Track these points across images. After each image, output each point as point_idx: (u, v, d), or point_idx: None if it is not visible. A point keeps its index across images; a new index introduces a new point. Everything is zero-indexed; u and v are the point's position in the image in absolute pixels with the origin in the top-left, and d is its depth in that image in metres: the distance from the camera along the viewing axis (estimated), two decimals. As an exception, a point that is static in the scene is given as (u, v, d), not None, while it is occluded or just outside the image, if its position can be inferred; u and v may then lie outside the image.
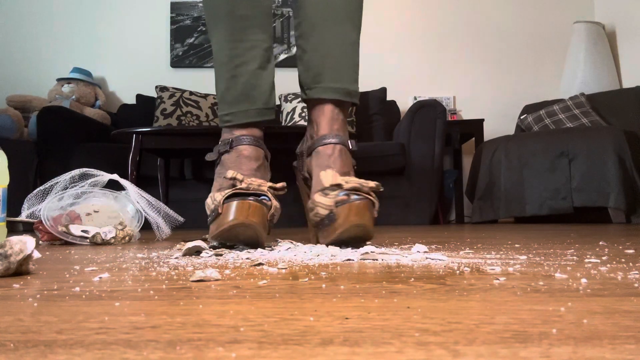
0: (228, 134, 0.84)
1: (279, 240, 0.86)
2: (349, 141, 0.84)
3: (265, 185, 0.73)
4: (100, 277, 0.44)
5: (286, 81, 3.22)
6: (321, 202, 0.74)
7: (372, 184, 0.74)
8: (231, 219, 0.67)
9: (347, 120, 0.92)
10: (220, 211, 0.70)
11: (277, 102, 3.10)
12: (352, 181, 0.73)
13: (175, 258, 0.63)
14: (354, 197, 0.72)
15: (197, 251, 0.68)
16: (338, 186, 0.74)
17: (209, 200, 0.75)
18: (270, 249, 0.72)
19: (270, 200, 0.72)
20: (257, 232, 0.69)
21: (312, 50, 0.87)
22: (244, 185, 0.72)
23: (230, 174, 0.72)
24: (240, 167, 0.79)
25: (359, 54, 0.90)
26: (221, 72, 0.86)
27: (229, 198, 0.70)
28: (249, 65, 0.84)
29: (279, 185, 0.76)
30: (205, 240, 1.05)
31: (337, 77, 0.85)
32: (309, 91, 0.87)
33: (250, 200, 0.69)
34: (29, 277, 0.45)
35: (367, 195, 0.73)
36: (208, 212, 0.75)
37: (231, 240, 0.72)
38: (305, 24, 0.87)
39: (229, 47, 0.84)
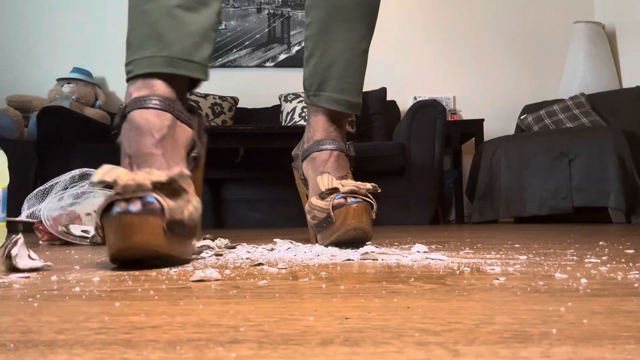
0: (127, 98, 0.61)
1: (279, 240, 0.86)
2: (347, 147, 0.83)
3: (147, 180, 0.48)
4: (100, 277, 0.44)
5: (286, 81, 3.22)
6: (318, 206, 0.74)
7: (369, 185, 0.74)
8: (112, 246, 0.48)
9: (346, 123, 0.89)
10: (100, 234, 0.50)
11: (277, 102, 3.10)
12: (349, 184, 0.73)
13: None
14: (351, 200, 0.71)
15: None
16: (335, 189, 0.73)
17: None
18: (270, 249, 0.72)
19: (158, 201, 0.48)
20: (153, 252, 0.48)
21: (320, 55, 0.84)
22: (119, 188, 0.48)
23: (99, 175, 0.49)
24: (133, 145, 0.57)
25: (366, 64, 0.87)
26: (131, 7, 0.64)
27: (105, 212, 0.48)
28: (163, 1, 0.62)
29: (164, 177, 0.49)
30: (206, 240, 1.05)
31: (341, 87, 0.83)
32: (313, 97, 0.85)
33: (120, 215, 0.47)
34: (29, 277, 0.45)
35: (364, 198, 0.72)
36: None
37: (129, 266, 0.51)
38: (316, 26, 0.85)
39: None
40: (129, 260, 0.50)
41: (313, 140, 0.83)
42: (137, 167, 0.56)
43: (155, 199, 0.48)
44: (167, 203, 0.49)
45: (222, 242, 0.78)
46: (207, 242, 0.68)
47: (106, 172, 0.49)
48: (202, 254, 0.64)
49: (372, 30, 0.87)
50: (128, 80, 0.62)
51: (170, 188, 0.51)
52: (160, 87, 0.61)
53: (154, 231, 0.47)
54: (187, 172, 0.53)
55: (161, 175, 0.49)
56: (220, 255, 0.64)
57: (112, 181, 0.48)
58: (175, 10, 0.63)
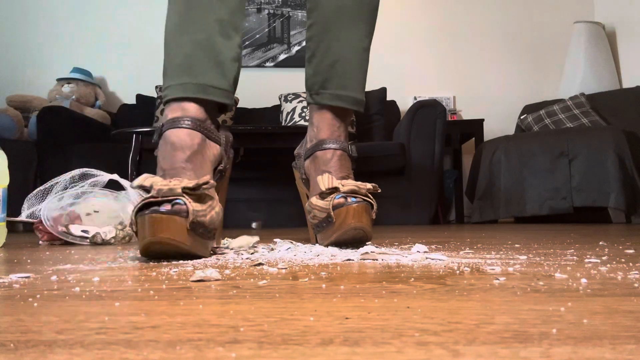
0: (163, 119, 0.71)
1: (279, 240, 0.86)
2: (349, 147, 0.83)
3: (178, 187, 0.57)
4: (100, 277, 0.44)
5: (286, 81, 3.22)
6: (318, 206, 0.74)
7: (369, 185, 0.74)
8: (143, 239, 0.56)
9: (349, 122, 0.88)
10: (134, 229, 0.58)
11: (277, 102, 3.10)
12: (349, 184, 0.73)
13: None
14: (351, 199, 0.71)
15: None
16: (335, 189, 0.73)
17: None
18: (270, 249, 0.72)
19: (185, 204, 0.56)
20: (177, 247, 0.56)
21: (322, 54, 0.85)
22: (154, 192, 0.57)
23: (138, 181, 0.59)
24: (167, 160, 0.66)
25: (368, 62, 0.88)
26: (167, 39, 0.74)
27: (140, 211, 0.57)
28: (196, 34, 0.71)
29: (192, 183, 0.59)
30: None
31: (344, 84, 0.84)
32: (315, 96, 0.85)
33: (152, 213, 0.55)
34: (30, 277, 0.45)
35: (364, 198, 0.72)
36: None
37: (156, 258, 0.60)
38: (317, 26, 0.86)
39: (179, 13, 0.73)
40: (156, 252, 0.57)
41: (317, 140, 0.83)
42: (169, 178, 0.63)
43: (183, 201, 0.57)
44: (193, 206, 0.57)
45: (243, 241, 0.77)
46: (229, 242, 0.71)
47: (144, 178, 0.59)
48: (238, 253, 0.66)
49: (372, 29, 0.88)
50: (164, 103, 0.72)
51: (197, 194, 0.60)
52: (192, 109, 0.69)
53: (179, 229, 0.55)
54: (213, 182, 0.61)
55: (190, 183, 0.58)
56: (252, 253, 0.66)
57: (149, 186, 0.58)
58: (205, 43, 0.72)
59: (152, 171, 0.68)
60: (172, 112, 0.70)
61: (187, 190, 0.58)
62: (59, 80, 2.98)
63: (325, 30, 0.85)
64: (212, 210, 0.61)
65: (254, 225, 2.23)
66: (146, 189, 0.58)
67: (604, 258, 0.55)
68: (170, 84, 0.71)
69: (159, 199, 0.57)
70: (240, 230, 1.92)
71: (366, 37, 0.86)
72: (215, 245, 0.74)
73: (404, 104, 3.24)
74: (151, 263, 0.57)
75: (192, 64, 0.71)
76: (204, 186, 0.60)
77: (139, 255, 0.63)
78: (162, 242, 0.55)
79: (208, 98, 0.71)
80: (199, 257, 0.60)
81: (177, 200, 0.57)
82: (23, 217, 1.09)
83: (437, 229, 1.65)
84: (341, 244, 0.73)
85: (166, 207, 0.56)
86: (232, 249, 0.73)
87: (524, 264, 0.50)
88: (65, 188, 1.11)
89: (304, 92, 2.97)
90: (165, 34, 0.74)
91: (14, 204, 1.24)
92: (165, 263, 0.57)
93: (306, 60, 0.89)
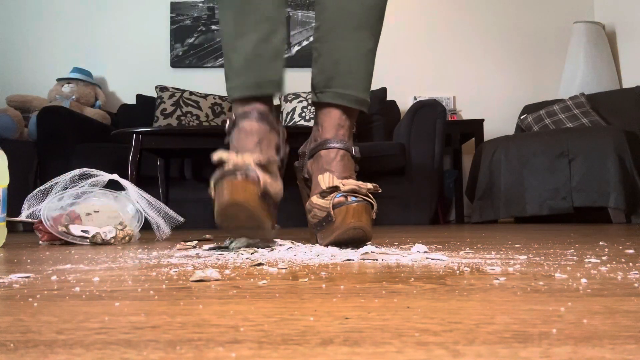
0: (234, 111, 0.83)
1: (279, 240, 0.86)
2: (352, 147, 0.84)
3: (250, 159, 0.69)
4: (100, 277, 0.44)
5: (286, 81, 3.22)
6: (319, 204, 0.74)
7: (369, 185, 0.74)
8: (221, 202, 0.65)
9: (353, 122, 0.90)
10: (212, 195, 0.68)
11: (277, 102, 3.10)
12: (350, 183, 0.73)
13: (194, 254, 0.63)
14: (351, 199, 0.72)
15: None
16: (335, 188, 0.73)
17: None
18: (270, 249, 0.72)
19: (257, 174, 0.68)
20: (248, 211, 0.65)
21: (327, 54, 0.86)
22: (230, 165, 0.68)
23: (216, 155, 0.70)
24: (240, 142, 0.77)
25: (374, 63, 0.89)
26: (225, 45, 0.84)
27: (218, 180, 0.68)
28: (248, 36, 0.81)
29: (263, 158, 0.71)
30: (206, 240, 1.05)
31: (348, 83, 0.85)
32: (320, 94, 0.86)
33: (230, 179, 0.65)
34: (30, 277, 0.45)
35: (364, 197, 0.73)
36: None
37: (229, 222, 0.69)
38: (324, 27, 0.87)
39: (232, 19, 0.82)
40: (231, 215, 0.67)
41: (321, 139, 0.84)
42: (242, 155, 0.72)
43: (256, 172, 0.67)
44: (264, 177, 0.68)
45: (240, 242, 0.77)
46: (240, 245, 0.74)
47: (222, 153, 0.70)
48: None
49: (379, 32, 0.89)
50: (231, 100, 0.84)
51: (267, 168, 0.71)
52: (256, 105, 0.81)
53: (253, 193, 0.65)
54: (277, 159, 0.75)
55: (261, 157, 0.71)
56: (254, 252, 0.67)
57: (226, 159, 0.69)
58: (257, 44, 0.81)
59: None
60: (242, 106, 0.81)
61: (258, 164, 0.69)
62: (59, 80, 2.98)
63: (331, 32, 0.86)
64: (277, 184, 0.72)
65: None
66: (222, 162, 0.69)
67: (604, 258, 0.55)
68: (234, 84, 0.82)
69: (234, 169, 0.67)
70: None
71: (371, 39, 0.87)
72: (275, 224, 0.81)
73: (404, 104, 3.24)
74: (151, 263, 0.57)
75: (251, 64, 0.81)
76: (272, 160, 0.72)
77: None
78: (238, 204, 0.64)
79: (266, 93, 0.81)
80: (263, 227, 0.69)
81: (250, 171, 0.67)
82: (23, 217, 1.09)
83: (437, 229, 1.65)
84: (341, 243, 0.73)
85: (242, 175, 0.66)
86: (232, 249, 0.74)
87: (524, 264, 0.50)
88: (65, 188, 1.11)
89: (304, 92, 2.99)
90: (224, 39, 0.84)
91: (14, 204, 1.24)
92: (165, 263, 0.57)
93: (312, 60, 0.90)
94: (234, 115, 0.81)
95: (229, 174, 0.67)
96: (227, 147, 0.80)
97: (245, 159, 0.68)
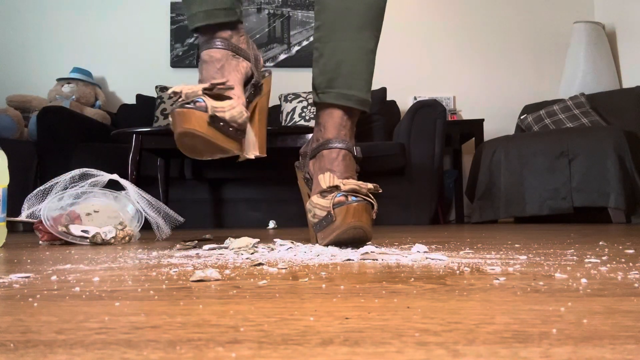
0: (199, 41, 0.84)
1: (279, 240, 0.86)
2: (354, 148, 0.84)
3: (199, 88, 0.69)
4: (100, 277, 0.44)
5: (286, 81, 3.22)
6: (319, 204, 0.75)
7: (370, 185, 0.74)
8: (174, 135, 0.68)
9: (355, 123, 0.90)
10: (171, 127, 0.70)
11: (277, 102, 3.10)
12: (350, 183, 0.73)
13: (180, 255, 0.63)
14: (351, 198, 0.72)
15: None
16: (336, 188, 0.74)
17: None
18: (270, 249, 0.72)
19: (203, 101, 0.68)
20: (201, 139, 0.67)
21: (329, 54, 0.86)
22: (182, 95, 0.69)
23: (171, 89, 0.71)
24: (203, 73, 0.79)
25: (374, 63, 0.89)
26: None
27: (170, 113, 0.70)
28: None
29: (208, 85, 0.71)
30: (206, 240, 1.05)
31: (350, 84, 0.85)
32: (322, 95, 0.86)
33: (177, 109, 0.67)
34: (30, 277, 0.45)
35: (365, 197, 0.73)
36: None
37: (190, 153, 0.72)
38: (324, 28, 0.87)
39: None
40: (187, 146, 0.69)
41: (323, 139, 0.84)
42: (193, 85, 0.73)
43: (202, 100, 0.68)
44: (211, 103, 0.68)
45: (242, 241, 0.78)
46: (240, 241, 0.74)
47: (176, 86, 0.70)
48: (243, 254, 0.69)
49: (379, 32, 0.89)
50: (192, 31, 0.83)
51: (216, 94, 0.70)
52: (215, 31, 0.81)
53: (200, 121, 0.66)
54: (231, 83, 0.74)
55: (207, 85, 0.70)
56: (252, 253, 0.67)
57: (179, 91, 0.69)
58: None
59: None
60: (201, 37, 0.82)
61: (206, 92, 0.69)
62: (59, 80, 2.98)
63: (332, 32, 0.86)
64: (232, 109, 0.71)
65: (271, 224, 2.24)
66: (177, 94, 0.70)
67: (604, 258, 0.55)
68: (187, 15, 0.82)
69: (186, 100, 0.68)
70: (244, 229, 1.92)
71: (372, 39, 0.87)
72: (256, 154, 0.84)
73: (404, 104, 3.24)
74: (151, 263, 0.57)
75: None
76: (219, 86, 0.70)
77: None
78: (187, 132, 0.66)
79: (217, 22, 0.81)
80: (226, 152, 0.71)
81: (198, 99, 0.68)
82: (23, 217, 1.09)
83: (437, 229, 1.65)
84: (341, 243, 0.73)
85: (190, 104, 0.68)
86: (232, 249, 0.74)
87: (524, 264, 0.50)
88: (65, 188, 1.11)
89: (304, 92, 2.99)
90: None
91: (14, 204, 1.24)
92: (165, 263, 0.57)
93: (313, 60, 0.90)
94: (197, 49, 0.83)
95: (178, 105, 0.69)
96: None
97: (195, 89, 0.69)
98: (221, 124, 0.68)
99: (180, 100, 0.69)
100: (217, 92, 0.71)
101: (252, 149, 0.83)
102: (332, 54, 0.86)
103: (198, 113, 0.66)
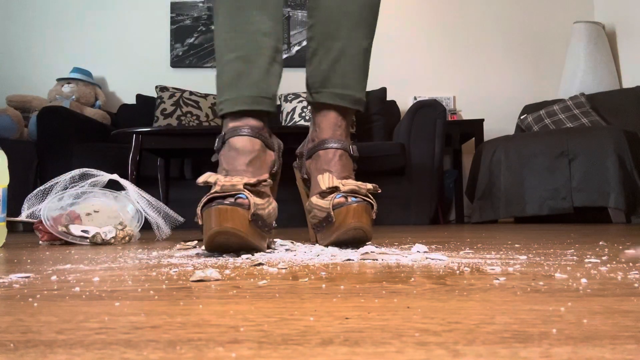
0: (224, 128, 0.79)
1: (279, 240, 0.86)
2: (350, 147, 0.83)
3: (240, 183, 0.64)
4: (100, 277, 0.44)
5: (286, 81, 3.22)
6: (318, 205, 0.74)
7: (369, 185, 0.74)
8: (209, 230, 0.61)
9: (350, 122, 0.89)
10: (200, 222, 0.63)
11: (277, 103, 3.10)
12: (350, 184, 0.73)
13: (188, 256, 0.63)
14: (351, 199, 0.71)
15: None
16: (335, 189, 0.73)
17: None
18: (270, 249, 0.72)
19: (247, 198, 0.62)
20: (239, 238, 0.61)
21: (322, 53, 0.85)
22: (217, 188, 0.63)
23: (202, 178, 0.65)
24: (230, 162, 0.73)
25: (369, 62, 0.88)
26: (218, 57, 0.81)
27: (205, 205, 0.63)
28: (240, 51, 0.78)
29: (253, 180, 0.65)
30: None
31: (344, 83, 0.84)
32: (316, 95, 0.86)
33: (218, 205, 0.60)
34: (30, 277, 0.45)
35: (364, 198, 0.73)
36: None
37: (220, 250, 0.65)
38: (318, 26, 0.86)
39: (224, 32, 0.79)
40: (220, 243, 0.62)
41: (318, 139, 0.83)
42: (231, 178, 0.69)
43: (245, 196, 0.62)
44: (254, 200, 0.63)
45: None
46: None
47: (209, 176, 0.65)
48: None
49: (373, 30, 0.88)
50: (221, 116, 0.79)
51: (257, 190, 0.66)
52: (249, 120, 0.77)
53: (242, 219, 0.60)
54: (270, 180, 0.68)
55: (251, 180, 0.65)
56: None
57: (213, 182, 0.64)
58: (252, 57, 0.77)
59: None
60: (233, 121, 0.77)
61: (248, 187, 0.64)
62: (59, 80, 2.98)
63: (326, 31, 0.85)
64: (270, 206, 0.68)
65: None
66: (210, 185, 0.64)
67: (604, 258, 0.55)
68: (225, 97, 0.78)
69: (223, 194, 0.62)
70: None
71: (366, 38, 0.86)
72: (271, 240, 0.81)
73: (404, 104, 3.24)
74: (151, 263, 0.57)
75: (243, 79, 0.77)
76: (263, 183, 0.66)
77: (203, 250, 0.70)
78: (227, 231, 0.60)
79: (260, 109, 0.77)
80: (258, 250, 0.66)
81: (240, 195, 0.63)
82: (23, 217, 1.09)
83: (437, 229, 1.65)
84: (341, 243, 0.73)
85: (230, 199, 0.62)
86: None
87: (524, 264, 0.50)
88: (65, 188, 1.11)
89: (304, 92, 2.98)
90: (216, 51, 0.80)
91: (14, 204, 1.24)
92: (165, 263, 0.57)
93: (307, 59, 0.89)
94: (223, 132, 0.77)
95: (216, 199, 0.62)
96: (215, 165, 0.76)
97: (234, 182, 0.63)
98: (260, 222, 0.64)
99: (214, 193, 0.63)
100: (258, 190, 0.66)
101: None
102: (326, 53, 0.85)
103: (241, 211, 0.60)
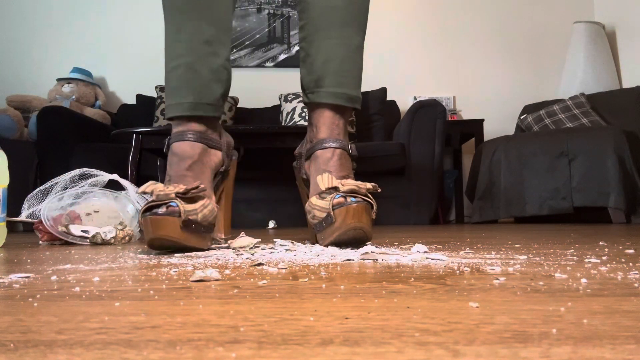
0: (171, 132, 0.82)
1: (279, 240, 0.86)
2: (349, 145, 0.83)
3: (172, 192, 0.68)
4: (100, 277, 0.44)
5: (286, 81, 3.22)
6: (318, 205, 0.74)
7: (369, 185, 0.74)
8: (147, 235, 0.67)
9: (347, 120, 0.89)
10: (142, 227, 0.69)
11: (277, 102, 3.11)
12: (349, 184, 0.73)
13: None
14: (351, 199, 0.71)
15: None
16: (335, 189, 0.73)
17: None
18: (270, 249, 0.72)
19: (177, 206, 0.67)
20: (173, 242, 0.67)
21: (315, 53, 0.85)
22: (154, 197, 0.69)
23: (142, 188, 0.71)
24: (173, 167, 0.77)
25: (362, 59, 0.88)
26: (165, 63, 0.83)
27: (144, 212, 0.69)
28: (182, 58, 0.80)
29: (183, 189, 0.69)
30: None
31: (339, 81, 0.84)
32: (311, 95, 0.86)
33: (151, 215, 0.66)
34: (30, 277, 0.45)
35: (364, 198, 0.72)
36: None
37: (161, 249, 0.71)
38: (309, 26, 0.86)
39: (170, 39, 0.81)
40: (158, 247, 0.69)
41: (316, 139, 0.83)
42: (174, 183, 0.74)
43: (176, 204, 0.67)
44: (185, 207, 0.68)
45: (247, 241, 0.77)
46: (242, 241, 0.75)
47: (148, 185, 0.71)
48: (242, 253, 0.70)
49: (364, 27, 0.88)
50: (168, 119, 0.82)
51: (188, 197, 0.70)
52: (192, 125, 0.80)
53: (173, 227, 0.66)
54: (202, 187, 0.71)
55: (181, 188, 0.69)
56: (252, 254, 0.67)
57: (150, 192, 0.70)
58: (196, 65, 0.80)
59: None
60: (175, 127, 0.80)
61: (179, 195, 0.69)
62: (59, 80, 2.98)
63: (316, 30, 0.85)
64: (205, 209, 0.71)
65: (271, 224, 2.24)
66: (148, 194, 0.69)
67: (604, 258, 0.55)
68: (169, 103, 0.81)
69: (158, 202, 0.68)
70: (244, 229, 1.91)
71: (358, 35, 0.87)
72: (221, 236, 0.89)
73: (404, 104, 3.24)
74: (151, 263, 0.57)
75: (185, 86, 0.80)
76: (193, 190, 0.70)
77: (144, 250, 0.76)
78: (160, 238, 0.66)
79: (200, 114, 0.80)
80: (197, 250, 0.71)
81: (171, 203, 0.68)
82: (23, 217, 1.09)
83: (437, 229, 1.65)
84: (341, 243, 0.73)
85: (162, 209, 0.68)
86: (233, 249, 0.74)
87: (524, 264, 0.50)
88: (65, 188, 1.11)
89: (302, 92, 2.98)
90: (164, 56, 0.83)
91: (14, 204, 1.24)
92: (165, 263, 0.57)
93: (300, 60, 0.89)
94: (169, 137, 0.81)
95: (152, 208, 0.69)
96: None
97: (167, 192, 0.68)
98: (193, 225, 0.68)
99: (151, 202, 0.69)
100: (191, 196, 0.70)
101: (217, 231, 0.86)
102: (318, 52, 0.85)
103: (171, 219, 0.66)
